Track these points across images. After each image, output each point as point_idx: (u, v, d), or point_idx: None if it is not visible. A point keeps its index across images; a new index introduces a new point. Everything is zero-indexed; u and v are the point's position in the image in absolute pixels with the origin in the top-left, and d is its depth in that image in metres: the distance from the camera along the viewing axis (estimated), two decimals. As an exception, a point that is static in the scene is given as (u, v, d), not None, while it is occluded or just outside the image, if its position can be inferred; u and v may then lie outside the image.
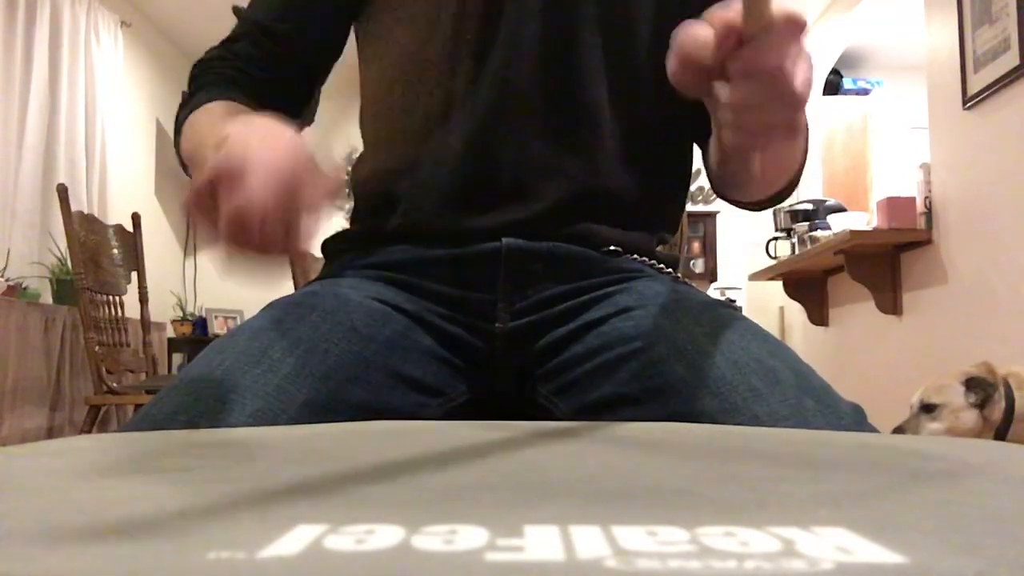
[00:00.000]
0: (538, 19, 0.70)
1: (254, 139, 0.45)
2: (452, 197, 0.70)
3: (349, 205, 0.78)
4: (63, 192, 2.63)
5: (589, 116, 0.70)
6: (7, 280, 3.17)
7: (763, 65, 0.44)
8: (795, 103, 0.46)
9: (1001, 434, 1.77)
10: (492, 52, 0.69)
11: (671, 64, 0.47)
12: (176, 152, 0.71)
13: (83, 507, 0.21)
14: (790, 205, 3.77)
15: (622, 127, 0.71)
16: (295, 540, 0.16)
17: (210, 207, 0.45)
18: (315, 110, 0.75)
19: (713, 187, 0.75)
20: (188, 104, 0.72)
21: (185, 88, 0.76)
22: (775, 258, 3.87)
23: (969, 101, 2.66)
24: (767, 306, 4.71)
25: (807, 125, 0.74)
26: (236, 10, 0.79)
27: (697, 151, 0.80)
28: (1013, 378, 1.86)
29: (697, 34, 0.46)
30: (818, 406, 0.55)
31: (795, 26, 0.44)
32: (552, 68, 0.69)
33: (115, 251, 2.92)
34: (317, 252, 0.71)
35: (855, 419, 0.56)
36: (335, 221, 0.67)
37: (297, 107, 0.78)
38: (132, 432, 0.46)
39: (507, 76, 0.69)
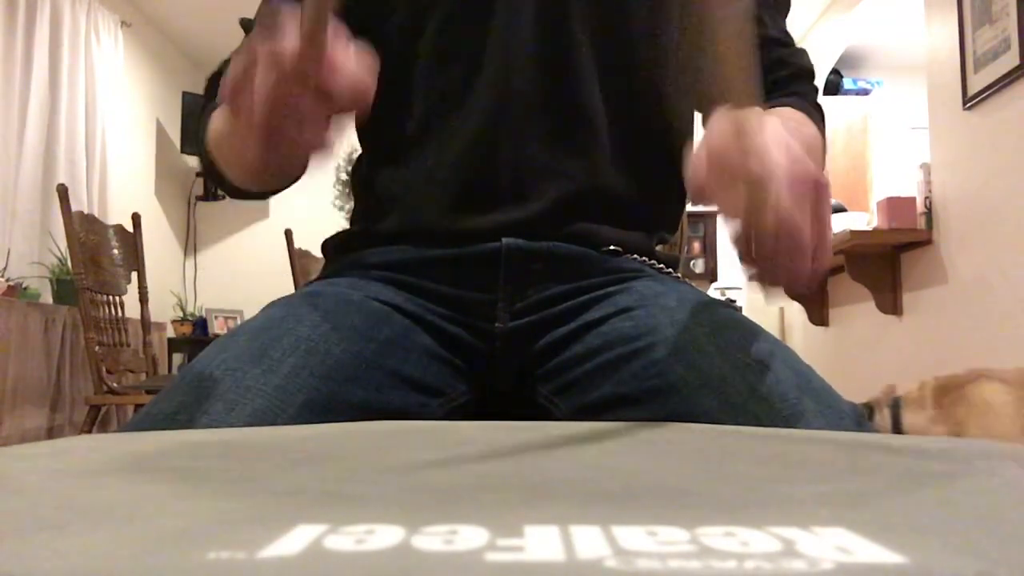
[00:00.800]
0: (532, 19, 0.70)
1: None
2: (451, 197, 0.70)
3: (349, 205, 0.78)
4: (63, 192, 2.63)
5: (587, 116, 0.70)
6: (7, 280, 3.18)
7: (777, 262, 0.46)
8: (820, 257, 0.48)
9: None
10: (488, 52, 0.70)
11: (689, 183, 0.49)
12: (205, 162, 0.69)
13: (83, 507, 0.21)
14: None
15: (620, 127, 0.72)
16: (295, 540, 0.16)
17: (250, 92, 0.45)
18: None
19: None
20: (205, 111, 0.72)
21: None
22: (775, 258, 3.86)
23: (969, 101, 2.66)
24: (767, 306, 4.71)
25: (822, 128, 0.74)
26: (243, 22, 0.79)
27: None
28: (908, 398, 1.86)
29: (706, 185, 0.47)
30: (818, 406, 0.55)
31: (791, 237, 0.45)
32: (548, 69, 0.70)
33: (115, 251, 2.93)
34: (317, 252, 0.71)
35: (855, 419, 0.56)
36: (336, 222, 0.67)
37: None
38: (132, 432, 0.46)
39: (504, 77, 0.69)
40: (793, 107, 0.71)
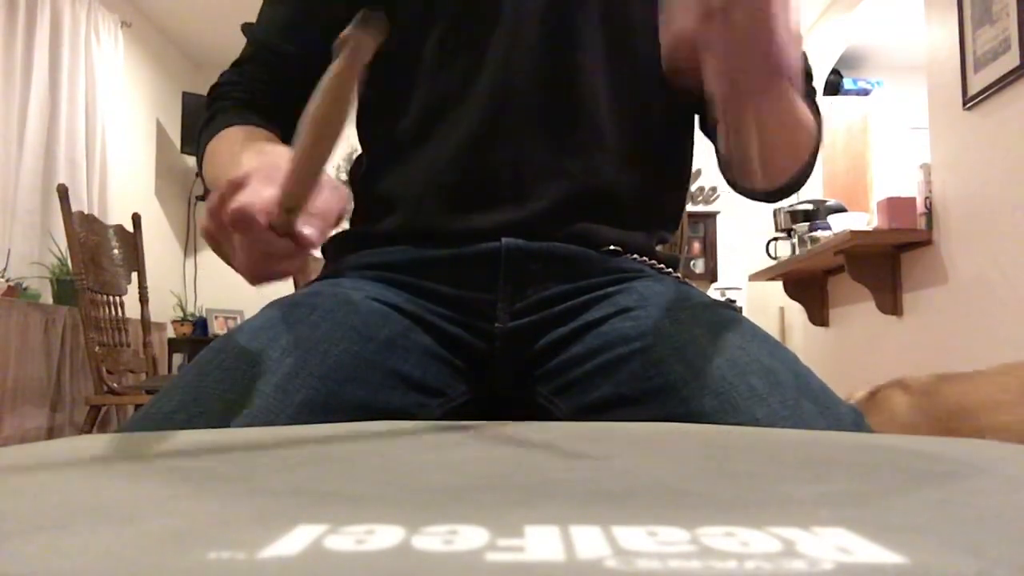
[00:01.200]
0: (537, 19, 0.70)
1: (262, 161, 0.49)
2: (451, 197, 0.70)
3: (349, 205, 0.78)
4: (63, 192, 2.63)
5: (588, 116, 0.70)
6: (7, 280, 3.18)
7: (738, 14, 0.45)
8: (775, 64, 0.47)
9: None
10: (489, 52, 0.70)
11: (663, 44, 0.49)
12: (203, 179, 0.73)
13: (83, 507, 0.21)
14: (790, 205, 3.77)
15: (622, 127, 0.71)
16: (295, 540, 0.16)
17: (225, 229, 0.47)
18: None
19: (724, 178, 0.74)
20: (207, 128, 0.73)
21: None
22: (775, 258, 3.87)
23: (969, 101, 2.66)
24: (767, 306, 4.71)
25: (818, 119, 0.74)
26: (244, 29, 0.79)
27: (698, 150, 0.80)
28: (876, 399, 1.87)
29: (681, 9, 0.47)
30: (817, 408, 0.55)
31: None
32: (551, 68, 0.70)
33: (115, 251, 2.93)
34: (317, 253, 0.71)
35: (854, 421, 0.56)
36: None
37: None
38: (132, 432, 0.46)
39: (506, 76, 0.69)
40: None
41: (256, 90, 0.76)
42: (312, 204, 0.46)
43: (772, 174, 0.69)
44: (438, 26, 0.71)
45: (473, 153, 0.69)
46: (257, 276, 0.49)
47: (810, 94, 0.77)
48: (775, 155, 0.66)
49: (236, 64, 0.78)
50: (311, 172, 0.43)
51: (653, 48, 0.73)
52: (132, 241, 3.05)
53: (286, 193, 0.44)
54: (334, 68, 0.40)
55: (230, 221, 0.45)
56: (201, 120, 0.75)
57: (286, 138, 0.66)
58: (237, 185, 0.46)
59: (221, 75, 0.78)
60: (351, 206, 0.50)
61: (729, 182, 0.74)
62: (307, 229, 0.46)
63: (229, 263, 0.50)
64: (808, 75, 0.78)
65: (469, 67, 0.70)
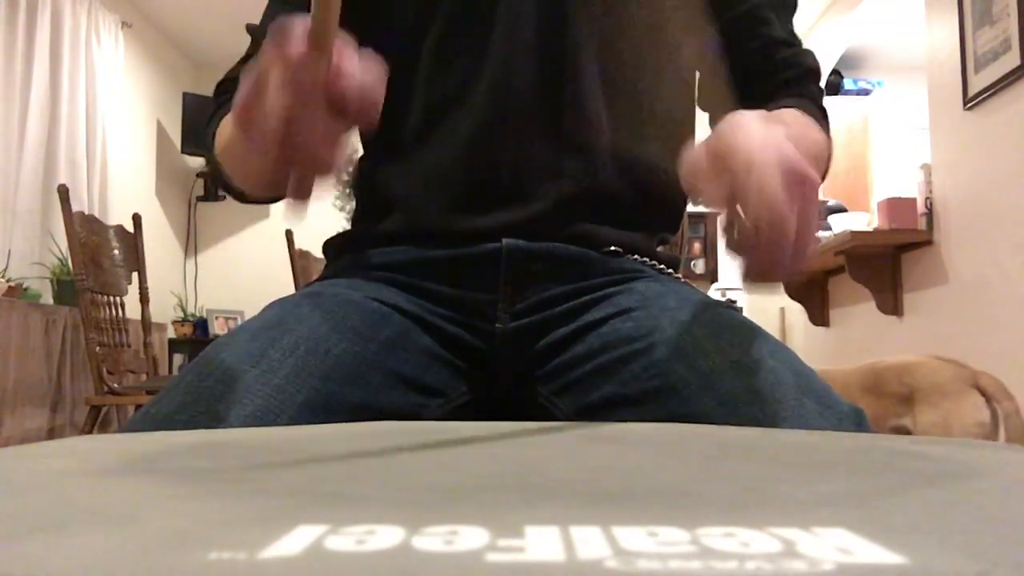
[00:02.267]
0: (533, 19, 0.70)
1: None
2: (452, 198, 0.70)
3: (350, 206, 0.78)
4: (64, 193, 2.63)
5: (587, 117, 0.70)
6: (8, 281, 3.18)
7: (763, 254, 0.46)
8: (800, 256, 0.47)
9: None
10: (488, 53, 0.70)
11: (682, 173, 0.49)
12: (213, 167, 0.69)
13: (83, 507, 0.21)
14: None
15: (621, 127, 0.72)
16: (296, 540, 0.16)
17: (262, 103, 0.44)
18: None
19: None
20: (214, 117, 0.72)
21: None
22: (776, 259, 3.86)
23: (970, 101, 2.66)
24: (768, 307, 4.71)
25: (827, 124, 0.74)
26: (249, 29, 0.79)
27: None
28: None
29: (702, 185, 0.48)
30: (818, 407, 0.55)
31: (780, 231, 0.44)
32: (549, 69, 0.70)
33: (116, 252, 2.93)
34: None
35: (855, 421, 0.56)
36: (337, 222, 0.67)
37: None
38: (132, 433, 0.46)
39: (505, 78, 0.69)
40: (798, 109, 0.70)
41: None
42: (349, 55, 0.44)
43: None
44: (436, 27, 0.71)
45: (473, 154, 0.69)
46: (289, 138, 0.44)
47: (819, 96, 0.77)
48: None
49: (242, 61, 0.78)
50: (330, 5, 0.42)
51: (651, 47, 0.74)
52: (132, 241, 3.05)
53: (313, 24, 0.43)
54: None
55: (271, 39, 0.43)
56: (207, 114, 0.75)
57: None
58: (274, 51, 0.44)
59: (227, 72, 0.78)
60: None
61: None
62: (347, 63, 0.43)
63: (256, 143, 0.46)
64: (817, 74, 0.78)
65: (468, 68, 0.70)
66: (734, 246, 0.48)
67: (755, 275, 0.48)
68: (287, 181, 0.48)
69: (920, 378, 1.82)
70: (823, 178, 0.72)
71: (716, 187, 0.47)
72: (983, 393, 1.73)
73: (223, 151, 0.66)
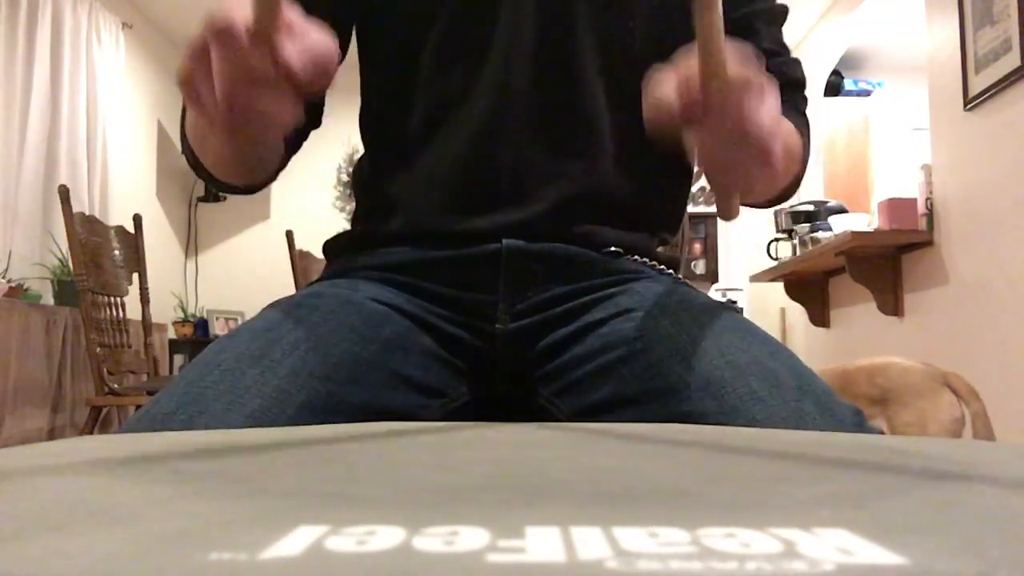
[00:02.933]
0: (534, 21, 0.70)
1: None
2: (452, 199, 0.70)
3: (350, 206, 0.79)
4: (64, 193, 2.63)
5: (588, 118, 0.70)
6: (8, 281, 3.18)
7: (721, 121, 0.46)
8: (760, 153, 0.48)
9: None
10: (489, 55, 0.70)
11: (644, 113, 0.49)
12: (187, 156, 0.67)
13: (84, 508, 0.21)
14: (791, 206, 3.77)
15: (621, 128, 0.72)
16: (296, 541, 0.16)
17: (203, 62, 0.43)
18: (321, 114, 0.75)
19: None
20: (185, 110, 0.71)
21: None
22: (776, 259, 3.87)
23: (970, 102, 2.66)
24: (768, 307, 4.71)
25: (807, 130, 0.74)
26: None
27: None
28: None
29: (662, 85, 0.48)
30: (818, 409, 0.55)
31: (751, 85, 0.46)
32: (549, 71, 0.70)
33: (116, 252, 2.93)
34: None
35: (855, 422, 0.56)
36: (337, 223, 0.66)
37: (309, 115, 0.77)
38: (132, 433, 0.46)
39: (505, 79, 0.69)
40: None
41: None
42: (295, 38, 0.42)
43: (760, 196, 0.71)
44: (437, 29, 0.71)
45: (474, 155, 0.69)
46: (233, 106, 0.42)
47: (802, 105, 0.77)
48: (761, 194, 0.67)
49: None
50: None
51: (651, 49, 0.74)
52: (133, 242, 3.05)
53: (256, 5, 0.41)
54: None
55: (210, 29, 0.41)
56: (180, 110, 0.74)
57: None
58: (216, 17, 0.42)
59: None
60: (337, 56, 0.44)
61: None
62: (291, 49, 0.42)
63: (203, 106, 0.45)
64: (801, 84, 0.78)
65: (469, 70, 0.70)
66: (686, 116, 0.47)
67: (711, 155, 0.49)
68: (250, 152, 0.47)
69: (892, 379, 1.83)
70: (797, 182, 0.73)
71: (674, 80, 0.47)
72: (954, 392, 1.75)
73: (189, 132, 0.63)
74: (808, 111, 0.78)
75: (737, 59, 0.47)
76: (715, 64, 0.45)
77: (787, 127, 0.69)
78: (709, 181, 0.51)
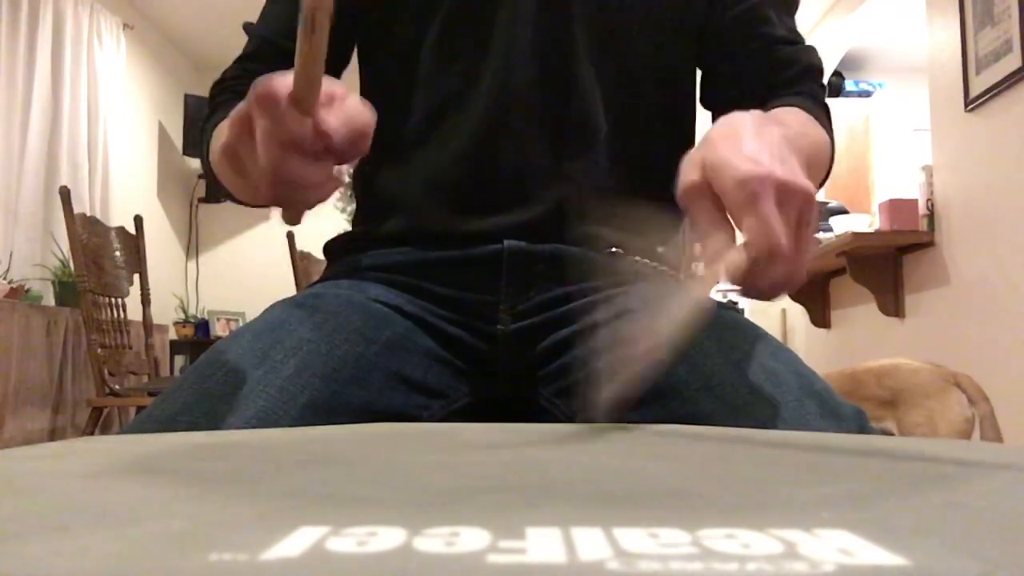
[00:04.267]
0: (532, 22, 0.70)
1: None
2: (453, 200, 0.70)
3: (351, 207, 0.79)
4: (65, 194, 2.63)
5: (588, 118, 0.70)
6: (9, 282, 3.18)
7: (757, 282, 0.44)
8: (795, 280, 0.46)
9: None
10: (488, 55, 0.70)
11: (678, 194, 0.47)
12: (207, 170, 0.68)
13: (85, 509, 0.21)
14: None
15: (622, 129, 0.72)
16: (297, 542, 0.16)
17: (246, 137, 0.44)
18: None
19: None
20: (209, 120, 0.72)
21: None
22: (777, 260, 3.85)
23: (971, 103, 2.66)
24: (769, 308, 4.70)
25: (829, 123, 0.73)
26: (246, 27, 0.79)
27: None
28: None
29: (696, 201, 0.45)
30: (819, 409, 0.55)
31: (777, 258, 0.42)
32: (549, 71, 0.70)
33: (117, 253, 2.93)
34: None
35: (857, 422, 0.56)
36: (338, 224, 0.66)
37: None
38: (134, 434, 0.46)
39: (505, 80, 0.69)
40: (799, 107, 0.69)
41: None
42: (335, 108, 0.43)
43: None
44: (437, 29, 0.71)
45: (475, 156, 0.69)
46: (279, 180, 0.44)
47: (820, 93, 0.76)
48: None
49: (239, 60, 0.78)
50: (314, 60, 0.42)
51: (650, 49, 0.74)
52: (134, 243, 3.06)
53: (297, 81, 0.42)
54: None
55: (255, 98, 0.43)
56: (203, 115, 0.75)
57: None
58: (259, 91, 0.44)
59: (224, 71, 0.78)
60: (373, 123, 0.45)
61: None
62: (331, 119, 0.43)
63: (246, 173, 0.46)
64: (819, 71, 0.77)
65: (468, 70, 0.70)
66: (731, 274, 0.46)
67: (755, 295, 0.46)
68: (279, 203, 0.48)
69: (901, 380, 1.83)
70: (828, 174, 0.72)
71: (709, 208, 0.45)
72: (963, 392, 1.75)
73: (217, 163, 0.64)
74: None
75: (764, 217, 0.43)
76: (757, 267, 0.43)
77: (815, 135, 0.68)
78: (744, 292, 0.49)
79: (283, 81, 0.42)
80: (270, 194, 0.45)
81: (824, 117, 0.73)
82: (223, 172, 0.63)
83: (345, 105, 0.44)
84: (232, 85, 0.76)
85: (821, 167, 0.70)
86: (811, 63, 0.76)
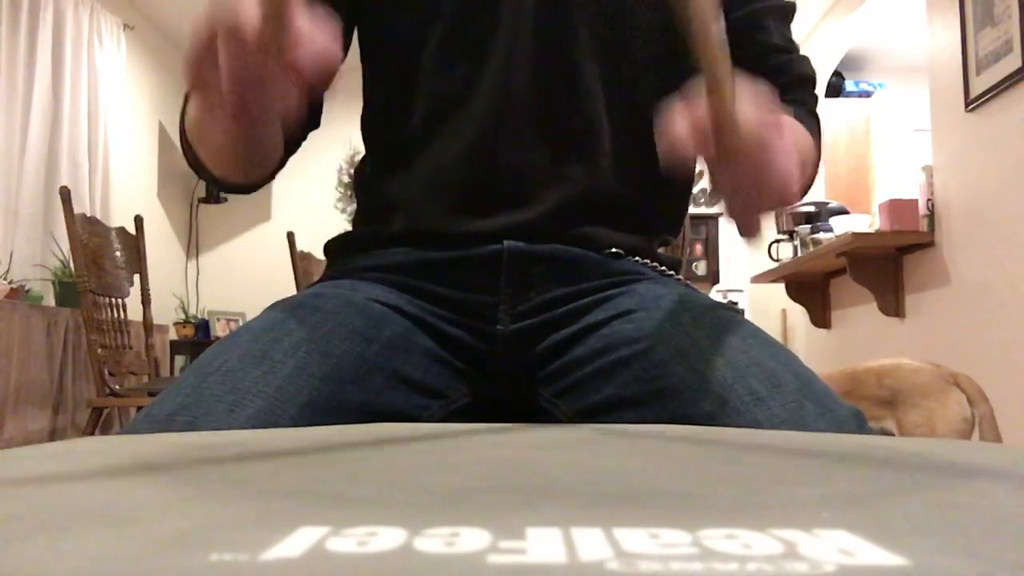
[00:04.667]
0: (533, 23, 0.70)
1: None
2: (453, 201, 0.70)
3: (352, 207, 0.79)
4: (66, 194, 2.63)
5: (588, 120, 0.70)
6: (10, 282, 3.18)
7: (735, 169, 0.47)
8: (777, 194, 0.49)
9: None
10: (489, 56, 0.70)
11: (659, 149, 0.49)
12: (187, 154, 0.65)
13: (85, 509, 0.21)
14: (792, 207, 3.77)
15: (622, 130, 0.72)
16: (297, 542, 0.16)
17: (210, 56, 0.43)
18: (320, 115, 0.75)
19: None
20: (185, 103, 0.71)
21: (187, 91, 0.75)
22: (777, 260, 3.87)
23: (971, 103, 2.66)
24: (769, 308, 4.71)
25: (818, 130, 0.74)
26: None
27: None
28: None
29: (675, 126, 0.47)
30: (819, 410, 0.55)
31: (764, 137, 0.46)
32: (549, 73, 0.70)
33: (117, 253, 2.93)
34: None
35: (856, 424, 0.56)
36: (338, 224, 0.66)
37: (309, 116, 0.77)
38: (134, 434, 0.46)
39: (506, 81, 0.69)
40: (789, 114, 0.70)
41: None
42: (301, 39, 0.42)
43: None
44: (438, 30, 0.71)
45: (475, 159, 0.69)
46: (247, 104, 0.43)
47: (812, 102, 0.77)
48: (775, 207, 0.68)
49: None
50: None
51: (651, 50, 0.74)
52: (134, 243, 3.06)
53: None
54: None
55: (217, 29, 0.41)
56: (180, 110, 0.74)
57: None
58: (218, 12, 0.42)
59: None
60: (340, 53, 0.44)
61: None
62: (296, 56, 0.41)
63: (210, 96, 0.45)
64: (811, 81, 0.78)
65: (470, 72, 0.70)
66: (720, 184, 0.48)
67: (740, 205, 0.49)
68: (251, 145, 0.47)
69: (901, 380, 1.83)
70: (809, 185, 0.73)
71: (700, 143, 0.47)
72: (962, 392, 1.75)
73: (190, 129, 0.63)
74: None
75: (750, 102, 0.46)
76: (725, 116, 0.45)
77: (800, 135, 0.69)
78: (727, 207, 0.51)
79: (246, 11, 0.41)
80: (229, 109, 0.44)
81: (814, 125, 0.74)
82: (195, 130, 0.61)
83: (312, 36, 0.42)
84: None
85: (807, 167, 0.71)
86: (804, 73, 0.77)
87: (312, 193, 5.23)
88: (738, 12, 0.75)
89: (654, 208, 0.75)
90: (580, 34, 0.70)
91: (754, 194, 0.49)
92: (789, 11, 0.79)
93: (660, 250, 0.76)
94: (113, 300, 2.87)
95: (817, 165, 0.74)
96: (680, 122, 0.47)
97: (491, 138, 0.69)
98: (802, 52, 0.79)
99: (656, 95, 0.75)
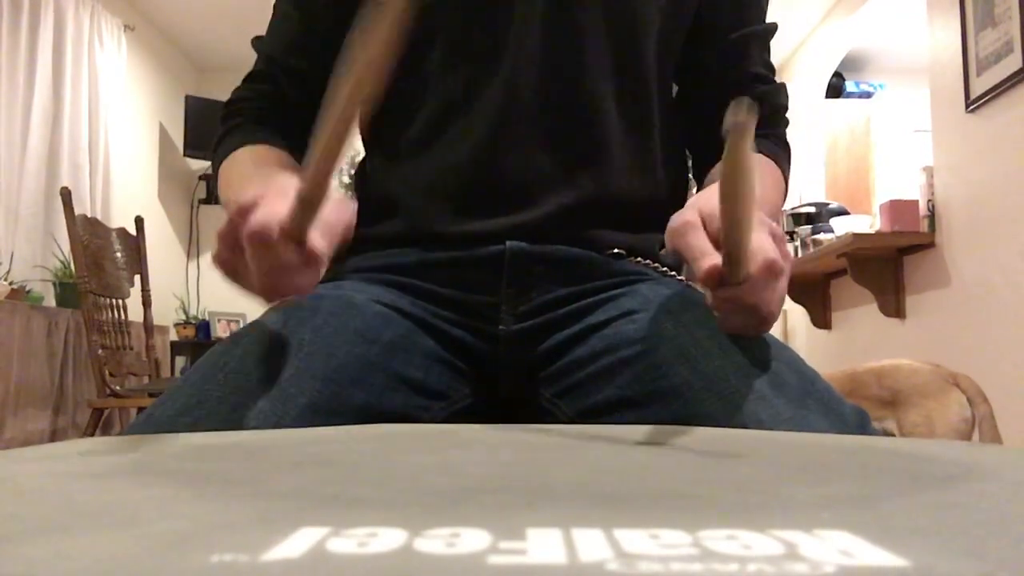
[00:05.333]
0: (541, 25, 0.70)
1: (269, 186, 0.50)
2: (456, 202, 0.70)
3: (352, 207, 0.79)
4: (66, 195, 2.64)
5: (593, 124, 0.71)
6: (10, 283, 3.18)
7: (741, 304, 0.50)
8: (768, 325, 0.54)
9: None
10: (496, 59, 0.70)
11: (667, 239, 0.55)
12: (217, 193, 0.74)
13: (86, 510, 0.21)
14: (792, 208, 3.77)
15: (627, 133, 0.72)
16: (298, 543, 0.16)
17: (237, 253, 0.49)
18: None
19: None
20: (220, 146, 0.75)
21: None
22: (778, 261, 3.85)
23: (972, 104, 2.66)
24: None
25: (788, 160, 0.80)
26: (254, 43, 0.80)
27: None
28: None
29: (688, 235, 0.51)
30: (821, 410, 0.55)
31: (771, 273, 0.48)
32: (557, 76, 0.70)
33: (118, 254, 2.93)
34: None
35: (858, 423, 0.56)
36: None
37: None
38: (134, 435, 0.46)
39: (511, 83, 0.69)
40: (763, 152, 0.74)
41: (266, 106, 0.77)
42: (320, 225, 0.47)
43: None
44: (444, 33, 0.71)
45: (480, 160, 0.69)
46: (272, 293, 0.50)
47: (783, 132, 0.82)
48: None
49: (247, 79, 0.79)
50: (333, 149, 0.43)
51: (656, 54, 0.74)
52: (135, 244, 3.06)
53: (306, 182, 0.44)
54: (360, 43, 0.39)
55: (247, 237, 0.46)
56: (215, 138, 0.77)
57: (299, 151, 0.66)
58: (247, 209, 0.47)
59: (234, 91, 0.79)
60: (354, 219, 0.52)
61: None
62: (317, 241, 0.47)
63: (242, 285, 0.51)
64: (784, 110, 0.82)
65: (475, 75, 0.70)
66: (718, 294, 0.51)
67: (733, 324, 0.54)
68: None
69: (901, 380, 1.83)
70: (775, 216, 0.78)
71: (703, 237, 0.50)
72: (962, 393, 1.76)
73: (223, 201, 0.71)
74: (788, 131, 0.82)
75: (763, 240, 0.48)
76: (739, 255, 0.47)
77: (773, 176, 0.74)
78: (719, 323, 0.55)
79: (273, 215, 0.46)
80: (267, 298, 0.50)
81: (783, 155, 0.79)
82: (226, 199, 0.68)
83: (328, 210, 0.48)
84: (241, 108, 0.77)
85: (778, 202, 0.77)
86: (778, 104, 0.81)
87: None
88: (730, 37, 0.78)
89: (656, 209, 0.75)
90: (590, 40, 0.70)
91: (750, 323, 0.53)
92: (771, 34, 0.82)
93: (661, 251, 0.76)
94: (114, 301, 2.87)
95: (785, 194, 0.79)
96: (692, 227, 0.51)
97: (496, 141, 0.69)
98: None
99: (664, 99, 0.76)
